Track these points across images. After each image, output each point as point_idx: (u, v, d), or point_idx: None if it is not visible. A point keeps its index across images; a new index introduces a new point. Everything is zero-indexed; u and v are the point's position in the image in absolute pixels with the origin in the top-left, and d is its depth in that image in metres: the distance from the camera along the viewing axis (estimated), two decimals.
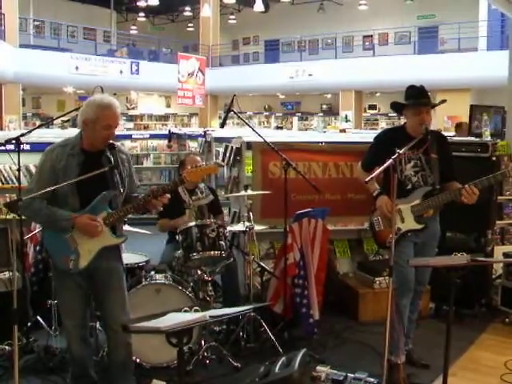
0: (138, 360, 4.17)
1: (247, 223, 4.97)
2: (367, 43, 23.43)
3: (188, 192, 5.27)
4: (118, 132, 3.51)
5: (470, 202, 3.95)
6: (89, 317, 3.85)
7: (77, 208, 3.40)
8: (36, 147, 5.77)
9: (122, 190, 3.48)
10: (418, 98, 4.15)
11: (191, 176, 3.44)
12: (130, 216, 3.66)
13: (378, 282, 5.57)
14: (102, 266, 3.49)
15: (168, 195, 3.46)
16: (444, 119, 18.34)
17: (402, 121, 4.46)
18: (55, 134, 7.61)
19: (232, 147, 6.13)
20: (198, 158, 5.51)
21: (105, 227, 3.42)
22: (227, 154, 6.35)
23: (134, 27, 29.85)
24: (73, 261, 3.40)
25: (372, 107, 26.85)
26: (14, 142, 4.09)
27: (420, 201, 4.15)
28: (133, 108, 28.31)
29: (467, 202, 3.95)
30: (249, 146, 5.75)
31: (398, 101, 4.35)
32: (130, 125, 25.46)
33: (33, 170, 5.84)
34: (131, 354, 3.71)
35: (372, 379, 3.81)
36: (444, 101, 4.55)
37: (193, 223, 4.67)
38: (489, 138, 5.88)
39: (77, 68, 20.31)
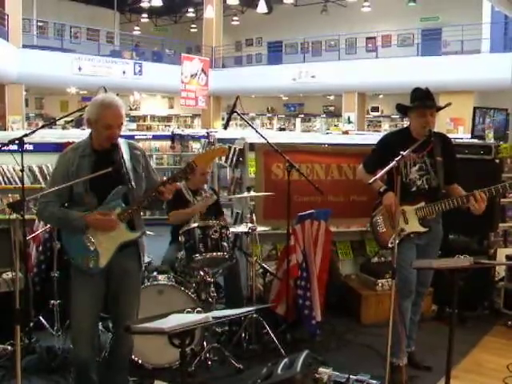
0: (140, 361, 4.16)
1: (250, 224, 4.95)
2: (370, 45, 23.39)
3: (192, 192, 5.26)
4: (120, 133, 3.46)
5: (477, 210, 3.91)
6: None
7: (95, 206, 3.37)
8: (39, 148, 5.78)
9: (132, 185, 3.40)
10: (423, 100, 4.15)
11: (200, 161, 3.38)
12: None
13: (380, 284, 5.57)
14: (120, 265, 3.43)
15: (179, 184, 3.37)
16: (447, 121, 18.31)
17: (405, 123, 4.44)
18: (58, 135, 7.59)
19: (235, 148, 6.12)
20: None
21: (121, 223, 3.36)
22: (230, 156, 6.35)
23: (138, 28, 29.88)
24: (93, 260, 3.36)
25: (375, 109, 26.82)
26: (17, 142, 4.08)
27: (425, 204, 4.15)
28: (135, 109, 28.34)
29: (474, 209, 3.91)
30: (252, 147, 5.73)
31: (402, 103, 4.35)
32: (133, 126, 25.45)
33: (36, 170, 5.86)
34: (131, 354, 3.71)
35: (374, 381, 3.79)
36: (449, 104, 4.52)
37: (195, 224, 4.67)
38: (492, 141, 5.88)
39: (80, 69, 20.34)
